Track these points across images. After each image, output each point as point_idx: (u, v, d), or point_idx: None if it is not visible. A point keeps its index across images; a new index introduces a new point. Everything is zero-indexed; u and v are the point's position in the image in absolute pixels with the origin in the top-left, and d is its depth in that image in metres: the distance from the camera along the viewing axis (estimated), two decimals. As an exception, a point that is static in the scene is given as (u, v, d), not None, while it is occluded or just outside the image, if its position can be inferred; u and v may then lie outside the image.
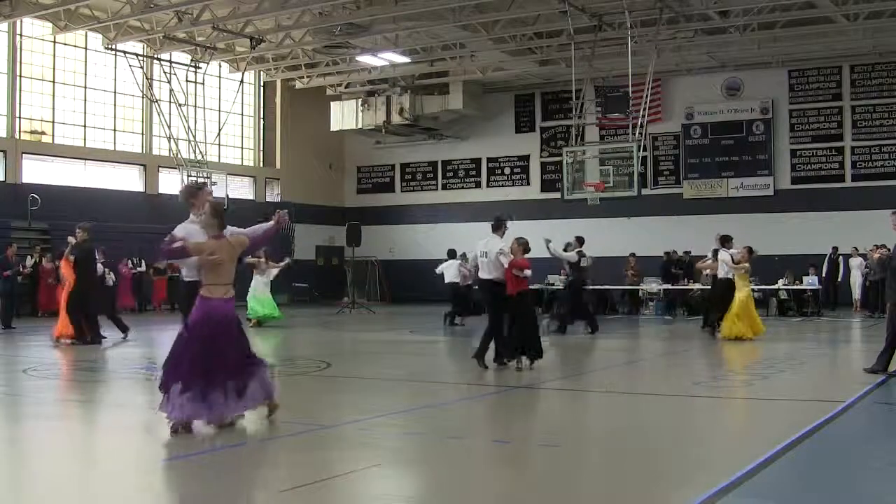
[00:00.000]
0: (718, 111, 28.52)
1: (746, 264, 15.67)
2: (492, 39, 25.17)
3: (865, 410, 8.35)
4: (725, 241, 16.29)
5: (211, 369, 6.89)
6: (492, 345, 11.22)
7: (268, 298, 19.37)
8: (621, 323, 20.93)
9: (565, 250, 17.81)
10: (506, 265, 11.01)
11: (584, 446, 6.92)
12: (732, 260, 15.79)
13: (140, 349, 14.42)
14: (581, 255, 17.19)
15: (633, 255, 25.38)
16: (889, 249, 20.58)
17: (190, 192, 7.89)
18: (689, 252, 24.70)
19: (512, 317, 11.13)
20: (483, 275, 11.37)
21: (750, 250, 16.11)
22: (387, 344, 16.59)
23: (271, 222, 7.61)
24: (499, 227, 11.51)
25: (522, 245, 11.31)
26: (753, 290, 22.54)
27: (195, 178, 25.39)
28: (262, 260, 18.79)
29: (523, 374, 10.74)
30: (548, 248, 15.82)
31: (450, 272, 19.59)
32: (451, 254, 20.05)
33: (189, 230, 7.40)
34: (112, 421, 8.09)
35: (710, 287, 17.47)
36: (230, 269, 7.20)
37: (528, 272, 11.14)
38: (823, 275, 23.82)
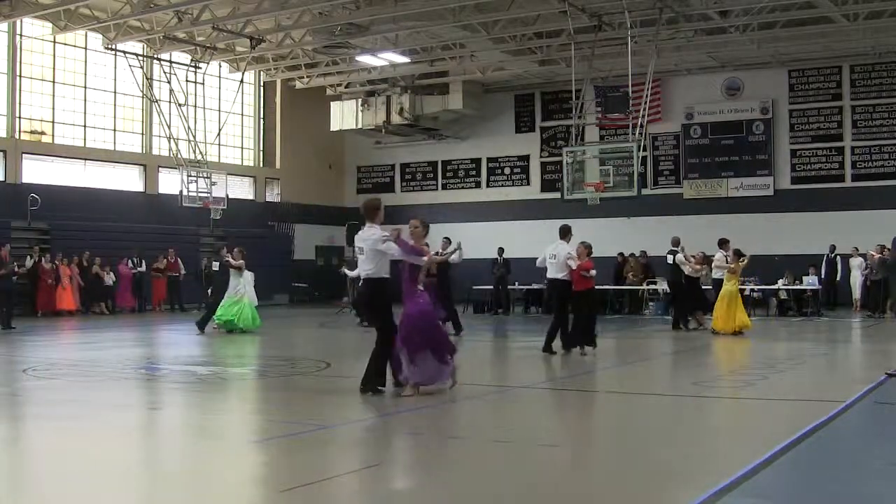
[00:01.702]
0: (718, 111, 28.51)
1: (699, 266, 17.44)
2: (492, 39, 25.16)
3: (865, 410, 8.34)
4: (723, 243, 17.27)
5: (436, 344, 8.89)
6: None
7: (237, 304, 17.38)
8: (622, 323, 20.91)
9: None
10: (574, 267, 12.44)
11: (583, 446, 6.92)
12: (726, 260, 16.78)
13: (141, 349, 14.41)
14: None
15: (633, 255, 25.40)
16: (889, 249, 20.65)
17: (374, 206, 9.24)
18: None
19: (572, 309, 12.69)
20: (551, 275, 12.77)
21: (737, 253, 17.15)
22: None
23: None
24: (566, 234, 12.88)
25: (587, 248, 12.80)
26: (753, 290, 22.74)
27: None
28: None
29: (524, 373, 10.76)
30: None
31: None
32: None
33: (373, 236, 8.95)
34: (112, 422, 8.08)
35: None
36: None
37: (593, 272, 12.74)
38: (822, 275, 23.82)
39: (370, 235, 9.01)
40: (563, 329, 12.84)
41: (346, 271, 20.26)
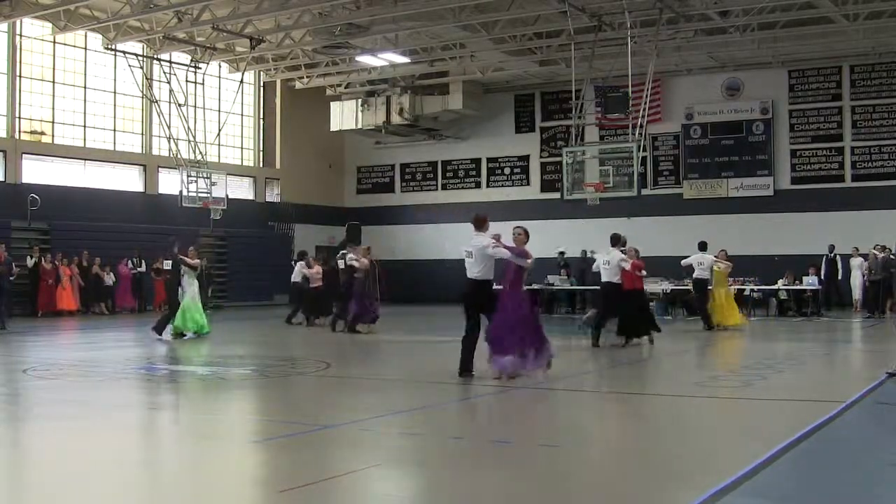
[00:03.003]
0: (718, 111, 28.52)
1: (729, 262, 18.56)
2: (492, 39, 25.17)
3: (866, 410, 8.34)
4: (703, 246, 18.57)
5: (526, 335, 9.95)
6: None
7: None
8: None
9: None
10: (627, 268, 14.26)
11: (583, 446, 6.91)
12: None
13: (141, 349, 14.41)
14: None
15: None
16: (890, 249, 20.67)
17: (483, 218, 10.67)
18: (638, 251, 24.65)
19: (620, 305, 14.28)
20: (605, 278, 14.34)
21: (725, 252, 18.79)
22: (386, 344, 16.57)
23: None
24: (616, 242, 14.58)
25: (636, 251, 15.07)
26: (753, 290, 22.75)
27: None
28: None
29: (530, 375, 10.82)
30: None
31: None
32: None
33: (483, 242, 10.25)
34: (112, 422, 8.08)
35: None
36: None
37: (643, 272, 14.90)
38: (822, 275, 23.80)
39: (479, 242, 10.26)
40: (602, 322, 14.52)
41: (307, 271, 20.02)
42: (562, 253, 25.26)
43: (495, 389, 10.15)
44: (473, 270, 10.20)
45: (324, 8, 22.97)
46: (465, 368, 10.19)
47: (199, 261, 16.66)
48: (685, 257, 19.10)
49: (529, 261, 10.48)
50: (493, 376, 9.97)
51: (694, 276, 18.39)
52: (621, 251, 14.93)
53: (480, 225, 10.54)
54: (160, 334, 15.88)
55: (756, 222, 27.15)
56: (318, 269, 20.33)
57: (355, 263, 18.36)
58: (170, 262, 16.57)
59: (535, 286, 24.83)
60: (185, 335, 15.93)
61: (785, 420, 7.78)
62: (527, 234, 10.81)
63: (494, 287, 10.45)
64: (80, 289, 24.40)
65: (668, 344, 15.03)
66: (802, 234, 26.24)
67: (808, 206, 26.83)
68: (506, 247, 10.31)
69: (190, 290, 16.15)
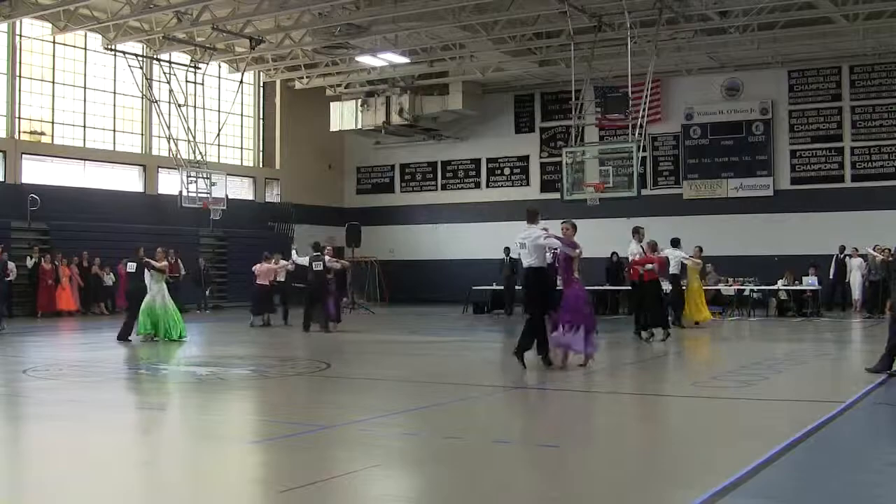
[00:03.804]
0: (718, 112, 28.52)
1: (699, 260, 19.63)
2: (491, 40, 25.17)
3: (866, 410, 8.34)
4: (675, 242, 19.01)
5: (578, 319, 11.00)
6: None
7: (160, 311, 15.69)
8: (621, 323, 20.89)
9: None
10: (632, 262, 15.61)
11: (583, 447, 6.91)
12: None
13: (140, 350, 14.39)
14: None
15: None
16: (891, 250, 20.66)
17: (535, 212, 11.44)
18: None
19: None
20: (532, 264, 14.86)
21: (700, 249, 19.79)
22: (386, 344, 16.58)
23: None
24: (635, 234, 15.48)
25: (651, 245, 15.96)
26: (753, 291, 22.75)
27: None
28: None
29: (531, 372, 10.83)
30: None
31: None
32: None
33: (534, 234, 11.04)
34: (112, 422, 8.09)
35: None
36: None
37: (648, 266, 15.61)
38: (831, 275, 23.71)
39: (532, 234, 11.09)
40: (639, 317, 15.72)
41: (296, 258, 20.04)
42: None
43: (494, 389, 10.16)
44: (528, 260, 11.11)
45: (323, 8, 22.98)
46: (522, 350, 11.03)
47: (166, 263, 15.96)
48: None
49: (578, 250, 11.33)
50: (554, 356, 11.08)
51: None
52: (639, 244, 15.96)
53: (532, 218, 11.34)
54: (126, 339, 15.35)
55: (756, 222, 27.15)
56: (265, 266, 20.21)
57: (336, 265, 19.16)
58: (133, 264, 15.95)
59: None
60: (155, 337, 15.39)
61: (785, 420, 7.77)
62: (574, 227, 11.67)
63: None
64: (79, 289, 24.40)
65: (666, 344, 15.03)
66: (802, 234, 26.24)
67: (807, 207, 26.83)
68: (555, 237, 11.15)
69: (158, 294, 15.50)
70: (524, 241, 11.11)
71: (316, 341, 16.75)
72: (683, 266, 19.06)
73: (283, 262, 20.45)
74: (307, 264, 18.96)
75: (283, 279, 20.54)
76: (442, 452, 6.61)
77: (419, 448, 6.80)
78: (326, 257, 19.11)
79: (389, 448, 6.78)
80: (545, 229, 11.24)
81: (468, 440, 7.04)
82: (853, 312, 23.19)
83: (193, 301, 26.25)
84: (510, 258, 24.94)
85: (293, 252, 20.17)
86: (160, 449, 7.08)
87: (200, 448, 6.92)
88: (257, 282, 19.95)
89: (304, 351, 15.13)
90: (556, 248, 11.09)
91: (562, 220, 11.75)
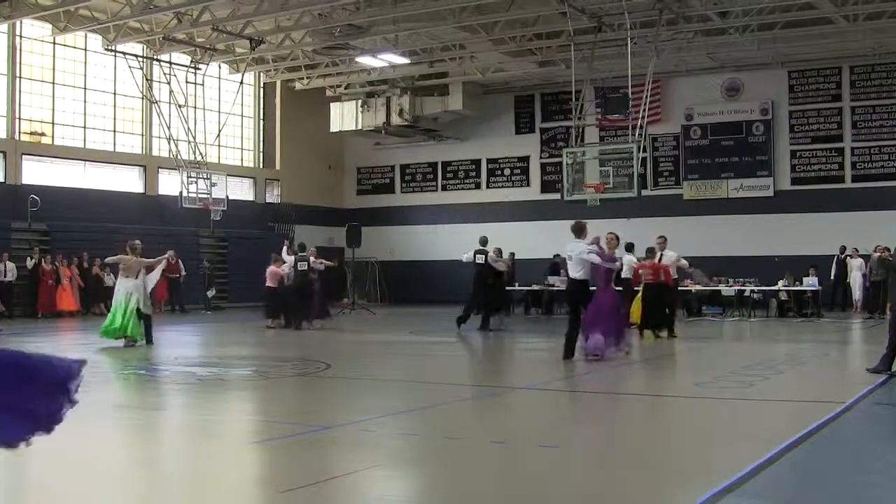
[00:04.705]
0: (718, 112, 28.52)
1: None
2: (491, 40, 25.17)
3: (866, 411, 8.34)
4: (629, 247, 18.41)
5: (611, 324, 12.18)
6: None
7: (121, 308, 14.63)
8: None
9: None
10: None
11: (583, 447, 6.91)
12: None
13: (140, 350, 14.37)
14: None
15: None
16: (890, 251, 20.66)
17: (581, 227, 12.33)
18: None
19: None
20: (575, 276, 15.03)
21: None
22: (386, 345, 16.58)
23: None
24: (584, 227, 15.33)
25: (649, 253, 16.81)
26: (753, 292, 22.74)
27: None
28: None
29: (531, 372, 10.84)
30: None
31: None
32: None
33: (580, 248, 12.02)
34: (112, 422, 8.09)
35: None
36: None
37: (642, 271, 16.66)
38: (832, 276, 23.70)
39: (577, 248, 12.03)
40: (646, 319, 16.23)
41: (284, 257, 20.12)
42: (557, 255, 25.03)
43: (494, 390, 10.16)
44: (574, 272, 12.09)
45: (323, 9, 22.98)
46: (569, 354, 12.00)
47: (129, 257, 14.67)
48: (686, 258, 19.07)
49: (616, 263, 12.70)
50: (585, 356, 11.94)
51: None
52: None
53: (579, 233, 12.31)
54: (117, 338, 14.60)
55: (756, 223, 27.15)
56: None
57: (320, 266, 19.69)
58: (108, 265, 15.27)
59: (535, 287, 24.94)
60: (134, 341, 14.53)
61: (785, 421, 7.77)
62: (617, 238, 13.11)
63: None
64: (80, 290, 24.40)
65: (667, 345, 15.04)
66: (802, 234, 26.23)
67: (808, 207, 26.82)
68: (598, 252, 12.20)
69: (119, 292, 14.65)
70: (570, 255, 12.14)
71: (316, 342, 16.75)
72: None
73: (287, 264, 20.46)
74: (292, 263, 19.44)
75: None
76: (442, 453, 6.60)
77: (419, 448, 6.79)
78: (311, 258, 19.53)
79: (389, 448, 6.77)
80: (596, 239, 12.41)
81: (468, 441, 7.04)
82: (854, 313, 23.20)
83: (196, 301, 26.30)
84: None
85: (283, 250, 20.25)
86: (160, 449, 7.08)
87: (201, 448, 6.92)
88: (266, 284, 20.01)
89: (304, 352, 15.11)
90: (596, 263, 12.15)
91: (608, 232, 13.21)
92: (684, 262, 17.71)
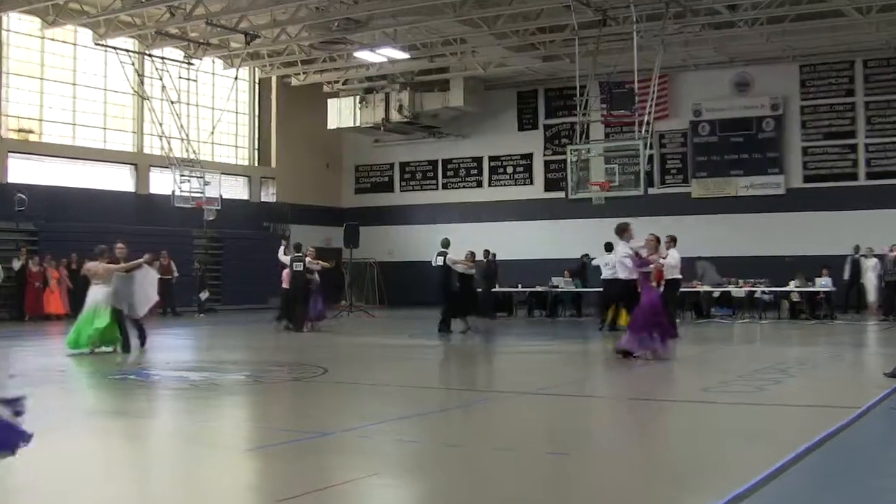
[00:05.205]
0: (727, 108, 28.48)
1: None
2: (493, 34, 25.15)
3: (882, 416, 8.31)
4: (608, 247, 18.85)
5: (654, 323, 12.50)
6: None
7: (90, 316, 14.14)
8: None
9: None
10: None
11: (591, 454, 6.88)
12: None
13: (131, 354, 14.33)
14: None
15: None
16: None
17: (622, 228, 13.09)
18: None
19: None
20: (669, 276, 15.82)
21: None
22: (385, 349, 16.56)
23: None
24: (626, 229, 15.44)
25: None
26: (763, 293, 22.72)
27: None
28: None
29: (535, 376, 10.79)
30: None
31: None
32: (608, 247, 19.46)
33: (618, 250, 13.14)
34: (102, 429, 8.06)
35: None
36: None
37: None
38: (845, 276, 23.62)
39: (618, 251, 13.16)
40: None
41: (281, 257, 20.16)
42: (585, 255, 24.96)
43: (497, 395, 10.13)
44: (621, 273, 13.13)
45: (320, 2, 22.96)
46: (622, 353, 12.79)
47: (96, 263, 14.32)
48: (697, 258, 19.16)
49: (651, 266, 13.13)
50: (635, 355, 12.41)
51: (602, 277, 19.53)
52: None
53: (622, 234, 13.03)
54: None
55: (767, 222, 27.11)
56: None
57: (315, 267, 19.75)
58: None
59: (539, 289, 24.92)
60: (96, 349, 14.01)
61: (798, 426, 7.75)
62: (658, 239, 13.63)
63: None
64: (68, 292, 24.36)
65: (675, 347, 14.98)
66: (815, 234, 26.19)
67: (820, 205, 26.78)
68: (632, 257, 12.99)
69: (87, 301, 14.17)
70: (613, 258, 13.37)
71: (312, 346, 16.73)
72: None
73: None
74: (288, 264, 19.51)
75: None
76: (444, 460, 6.58)
77: (420, 456, 6.77)
78: (307, 258, 19.62)
79: (389, 456, 6.75)
80: (639, 248, 13.03)
81: (471, 447, 7.01)
82: (868, 315, 23.14)
83: (189, 304, 26.28)
84: (492, 259, 24.91)
85: (280, 250, 20.29)
86: (152, 457, 7.05)
87: (194, 456, 6.89)
88: (283, 286, 20.08)
89: (300, 356, 15.09)
90: (630, 266, 13.00)
91: (648, 233, 13.56)
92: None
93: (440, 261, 18.55)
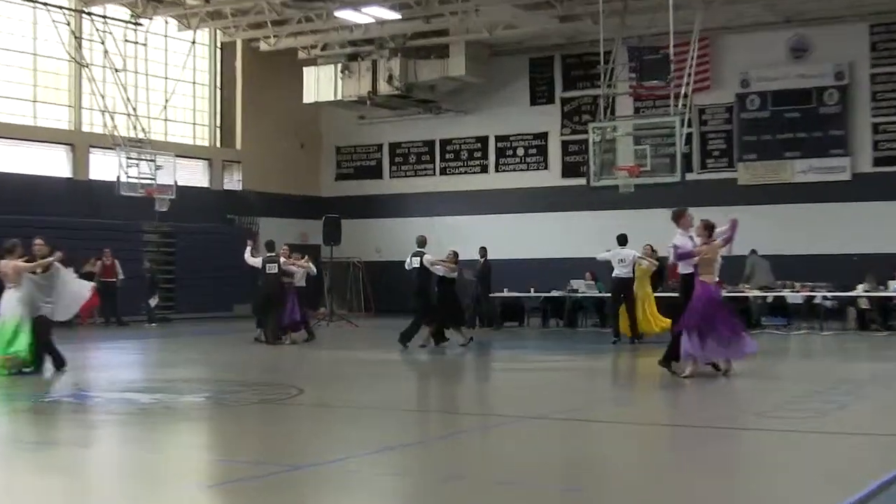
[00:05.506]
0: (781, 77, 28.45)
1: (655, 261, 19.94)
2: (501, -11, 25.17)
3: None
4: (622, 240, 19.51)
5: (707, 326, 12.60)
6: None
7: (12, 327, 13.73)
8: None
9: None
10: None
11: (608, 490, 6.88)
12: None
13: (66, 373, 14.30)
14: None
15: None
16: None
17: (679, 214, 13.50)
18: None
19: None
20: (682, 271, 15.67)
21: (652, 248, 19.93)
22: (372, 365, 16.57)
23: (726, 227, 13.07)
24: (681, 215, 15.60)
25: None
26: (825, 298, 22.70)
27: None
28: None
29: (546, 398, 10.77)
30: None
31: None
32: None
33: (683, 241, 13.17)
34: (31, 463, 8.05)
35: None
36: (715, 264, 12.99)
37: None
38: None
39: (677, 243, 13.30)
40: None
41: (248, 258, 20.52)
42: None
43: (499, 419, 10.12)
44: (684, 269, 13.44)
45: (294, -50, 22.97)
46: (665, 360, 13.26)
47: (5, 261, 13.85)
48: (743, 257, 19.11)
49: (695, 258, 13.16)
50: (684, 374, 12.75)
51: (613, 275, 19.63)
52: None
53: (678, 220, 13.40)
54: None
55: (829, 214, 27.10)
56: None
57: (292, 268, 20.03)
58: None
59: (555, 293, 24.92)
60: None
61: (870, 458, 7.75)
62: (708, 227, 13.48)
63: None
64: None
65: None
66: (887, 228, 26.17)
67: (894, 194, 26.76)
68: (676, 251, 13.37)
69: (4, 308, 13.83)
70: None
71: (286, 361, 16.73)
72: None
73: (298, 265, 20.54)
74: (260, 266, 19.72)
75: (303, 284, 20.69)
76: (439, 497, 6.59)
77: (411, 491, 6.79)
78: (282, 259, 19.73)
79: (373, 492, 6.77)
80: (730, 225, 13.11)
81: (469, 482, 7.02)
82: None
83: (136, 311, 26.24)
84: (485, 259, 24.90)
85: (247, 251, 20.39)
86: (96, 495, 7.02)
87: (142, 494, 6.88)
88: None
89: (272, 373, 15.09)
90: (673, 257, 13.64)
91: (701, 219, 13.59)
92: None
93: (416, 262, 18.56)
